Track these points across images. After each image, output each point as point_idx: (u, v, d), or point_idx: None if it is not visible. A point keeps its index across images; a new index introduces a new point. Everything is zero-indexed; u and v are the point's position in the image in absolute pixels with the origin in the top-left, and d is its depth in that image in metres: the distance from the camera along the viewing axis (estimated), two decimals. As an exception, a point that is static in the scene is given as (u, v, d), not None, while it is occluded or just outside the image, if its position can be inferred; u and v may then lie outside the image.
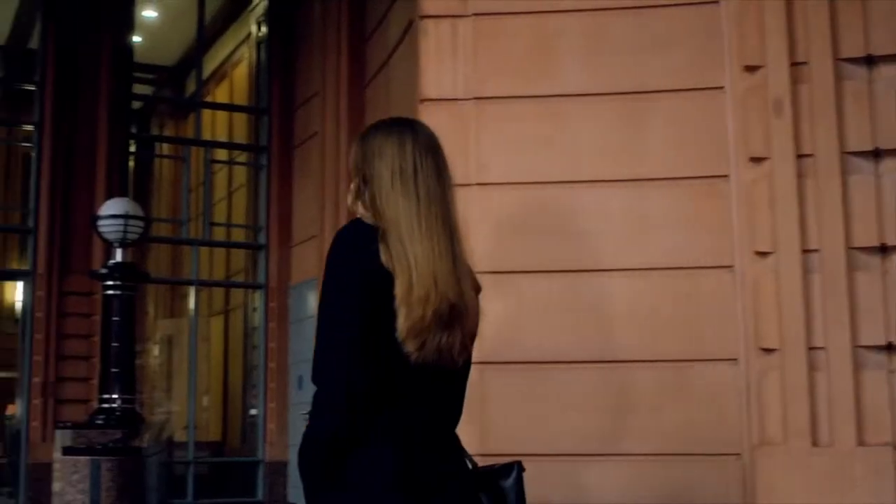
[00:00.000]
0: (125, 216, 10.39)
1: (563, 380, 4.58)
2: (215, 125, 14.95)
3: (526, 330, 4.63)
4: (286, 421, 13.15)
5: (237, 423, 14.39)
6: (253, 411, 13.71)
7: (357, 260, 2.46)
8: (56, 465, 10.81)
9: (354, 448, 2.43)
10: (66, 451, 7.23)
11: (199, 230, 13.75)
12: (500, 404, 4.54)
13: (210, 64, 14.52)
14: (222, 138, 14.84)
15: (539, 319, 4.64)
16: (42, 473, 12.01)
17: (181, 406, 14.58)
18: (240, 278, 14.41)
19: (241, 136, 14.64)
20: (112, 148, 12.91)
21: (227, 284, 14.77)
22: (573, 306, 4.62)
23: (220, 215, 14.28)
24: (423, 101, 4.38)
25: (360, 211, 2.60)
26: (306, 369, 12.63)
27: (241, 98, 14.75)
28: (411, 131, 2.59)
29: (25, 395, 12.42)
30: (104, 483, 6.96)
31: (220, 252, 14.58)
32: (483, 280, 2.74)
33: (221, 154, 14.45)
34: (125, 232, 10.41)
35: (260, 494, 13.13)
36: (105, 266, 10.69)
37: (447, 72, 4.53)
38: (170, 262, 15.57)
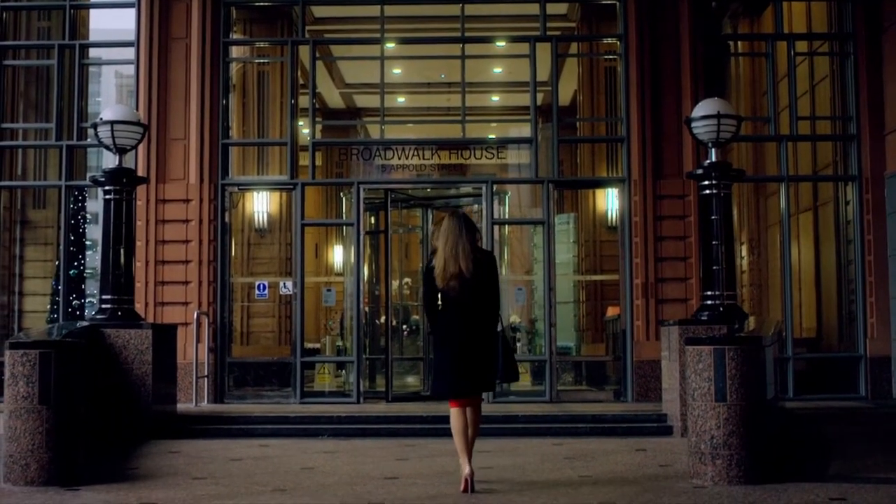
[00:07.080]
0: (717, 116, 10.55)
1: None
2: (791, 18, 14.62)
3: None
4: (887, 314, 12.75)
5: (833, 319, 14.16)
6: (851, 306, 13.43)
7: (427, 267, 7.53)
8: (664, 362, 11.35)
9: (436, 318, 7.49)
10: (690, 341, 7.55)
11: (782, 126, 13.60)
12: None
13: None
14: (799, 31, 14.48)
15: None
16: (647, 370, 12.67)
17: (775, 304, 14.61)
18: (828, 172, 14.08)
19: (819, 27, 14.22)
20: (694, 51, 13.13)
21: (819, 178, 14.43)
22: None
23: (803, 109, 13.98)
24: None
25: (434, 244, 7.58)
26: (910, 261, 12.14)
27: (818, -13, 14.31)
28: (453, 215, 7.35)
29: (628, 296, 13.09)
30: (728, 371, 7.18)
31: (803, 147, 14.29)
32: None
33: (800, 46, 14.11)
34: (718, 131, 10.57)
35: (862, 391, 12.90)
36: (700, 166, 10.93)
37: None
38: (750, 161, 15.51)
